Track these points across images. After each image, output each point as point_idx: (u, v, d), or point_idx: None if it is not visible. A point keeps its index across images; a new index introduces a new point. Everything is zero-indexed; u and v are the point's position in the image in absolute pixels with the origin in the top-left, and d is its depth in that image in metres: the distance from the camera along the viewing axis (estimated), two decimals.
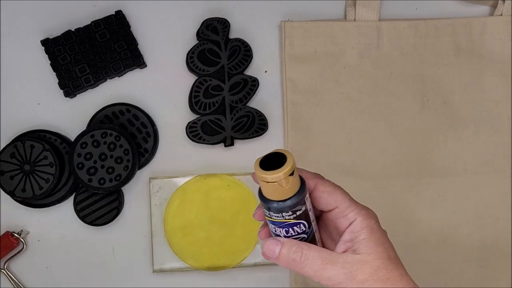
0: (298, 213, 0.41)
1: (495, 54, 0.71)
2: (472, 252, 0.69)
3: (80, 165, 0.66)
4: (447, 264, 0.69)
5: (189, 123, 0.70)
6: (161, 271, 0.69)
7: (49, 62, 0.71)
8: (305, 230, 0.43)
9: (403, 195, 0.70)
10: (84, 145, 0.67)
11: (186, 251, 0.68)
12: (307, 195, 0.42)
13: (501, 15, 0.71)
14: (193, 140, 0.70)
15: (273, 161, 0.39)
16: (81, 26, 0.71)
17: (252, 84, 0.70)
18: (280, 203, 0.40)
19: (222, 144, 0.70)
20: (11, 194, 0.66)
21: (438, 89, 0.71)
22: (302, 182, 0.41)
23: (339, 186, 0.44)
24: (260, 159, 0.40)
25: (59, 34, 0.71)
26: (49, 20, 0.72)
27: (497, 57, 0.71)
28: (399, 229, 0.69)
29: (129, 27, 0.72)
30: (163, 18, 0.73)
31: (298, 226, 0.42)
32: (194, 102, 0.70)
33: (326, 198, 0.43)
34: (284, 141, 0.70)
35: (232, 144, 0.70)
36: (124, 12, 0.72)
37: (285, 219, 0.41)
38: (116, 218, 0.69)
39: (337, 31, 0.71)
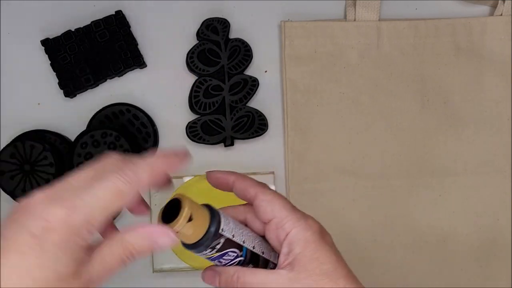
0: (218, 247, 0.40)
1: (495, 54, 0.71)
2: (472, 252, 0.69)
3: (80, 165, 0.66)
4: (447, 264, 0.69)
5: (189, 123, 0.70)
6: (161, 271, 0.69)
7: (49, 62, 0.71)
8: (237, 255, 0.41)
9: (403, 195, 0.70)
10: (84, 145, 0.67)
11: (186, 251, 0.68)
12: (223, 225, 0.40)
13: (501, 15, 0.71)
14: (193, 140, 0.70)
15: (174, 208, 0.38)
16: (81, 26, 0.71)
17: (252, 84, 0.70)
18: (193, 245, 0.40)
19: (222, 144, 0.70)
20: (11, 194, 0.66)
21: (438, 89, 0.71)
22: (213, 215, 0.40)
23: (281, 196, 0.43)
24: (163, 208, 0.39)
25: (59, 34, 0.71)
26: (49, 20, 0.72)
27: (497, 57, 0.71)
28: (399, 229, 0.69)
29: (129, 27, 0.72)
30: (163, 18, 0.73)
31: (226, 254, 0.41)
32: (194, 102, 0.70)
33: (265, 207, 0.42)
34: (284, 141, 0.70)
35: (232, 144, 0.70)
36: (124, 12, 0.72)
37: (210, 255, 0.40)
38: (116, 218, 0.69)
39: (337, 31, 0.71)
